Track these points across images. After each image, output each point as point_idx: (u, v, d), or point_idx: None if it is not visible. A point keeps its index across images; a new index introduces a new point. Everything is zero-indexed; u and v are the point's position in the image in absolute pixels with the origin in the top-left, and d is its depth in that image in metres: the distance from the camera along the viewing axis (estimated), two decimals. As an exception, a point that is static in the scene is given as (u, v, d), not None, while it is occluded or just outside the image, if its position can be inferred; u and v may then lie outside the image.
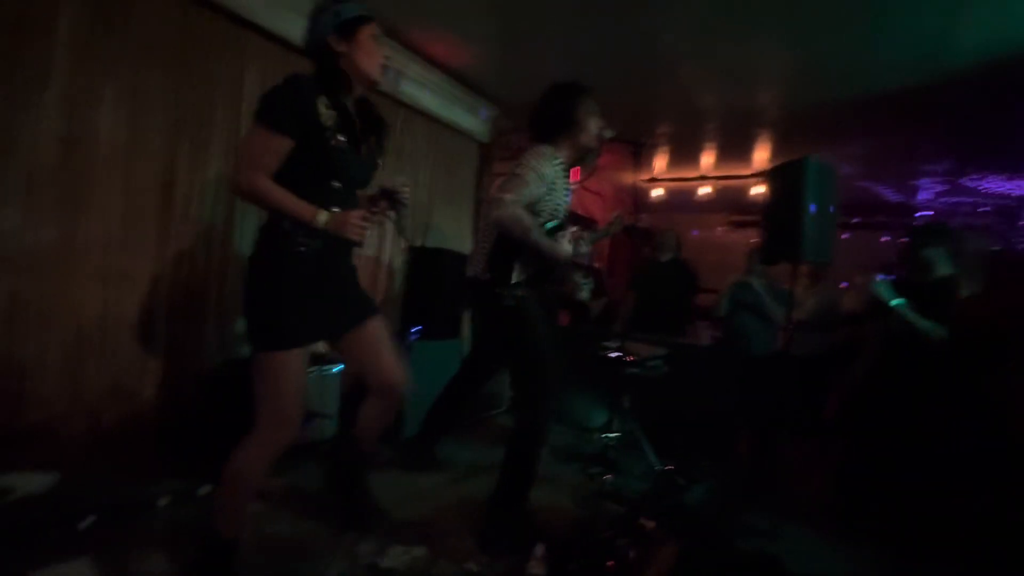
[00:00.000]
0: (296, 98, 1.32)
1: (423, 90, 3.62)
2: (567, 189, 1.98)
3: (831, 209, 2.64)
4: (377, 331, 1.65)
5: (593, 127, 1.98)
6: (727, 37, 2.93)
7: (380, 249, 3.51)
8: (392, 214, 1.60)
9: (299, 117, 1.31)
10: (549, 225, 1.93)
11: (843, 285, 4.91)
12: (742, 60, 3.18)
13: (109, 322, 2.26)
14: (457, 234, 4.16)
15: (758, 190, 5.66)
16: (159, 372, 2.45)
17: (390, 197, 1.57)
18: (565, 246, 1.87)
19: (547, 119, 1.96)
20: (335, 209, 1.37)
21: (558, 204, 1.94)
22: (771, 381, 2.95)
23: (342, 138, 1.39)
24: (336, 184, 1.42)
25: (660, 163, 5.56)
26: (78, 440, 2.13)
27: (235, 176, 1.30)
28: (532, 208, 1.83)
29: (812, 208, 2.49)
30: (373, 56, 1.44)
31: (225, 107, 2.60)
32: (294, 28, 2.76)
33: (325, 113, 1.35)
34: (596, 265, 6.64)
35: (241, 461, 1.38)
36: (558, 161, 1.90)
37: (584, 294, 4.43)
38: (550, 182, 1.84)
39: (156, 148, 2.35)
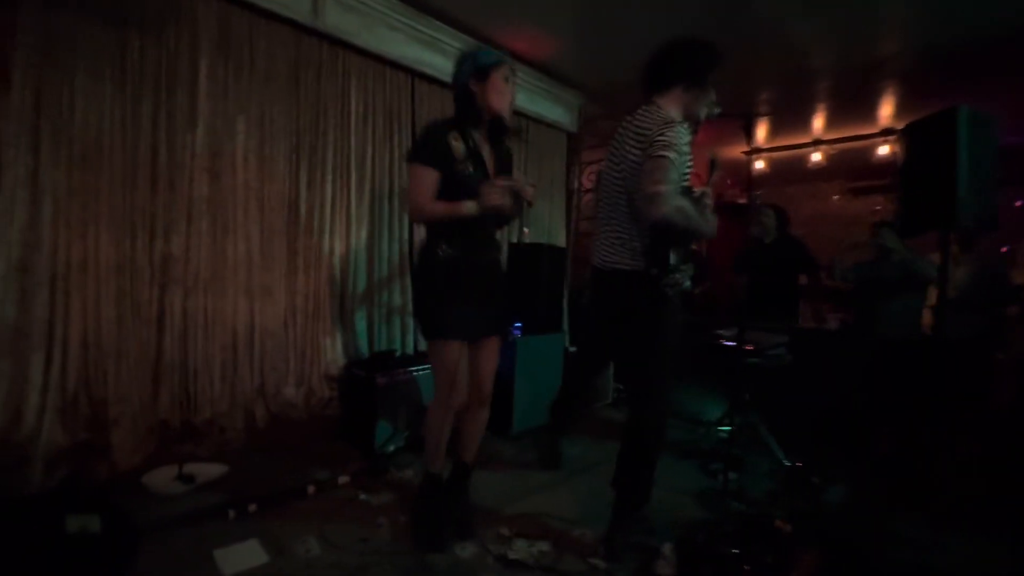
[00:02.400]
0: (431, 137, 1.66)
1: (510, 87, 3.64)
2: (690, 153, 1.75)
3: (990, 167, 2.25)
4: (496, 348, 1.90)
5: (711, 98, 1.79)
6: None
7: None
8: (518, 212, 1.79)
9: (436, 151, 1.64)
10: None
11: (1003, 250, 4.18)
12: (863, 6, 2.80)
13: (255, 330, 2.55)
14: (551, 227, 4.15)
15: (883, 151, 5.00)
16: (296, 374, 2.72)
17: (515, 196, 1.72)
18: (711, 217, 1.72)
19: (677, 63, 1.73)
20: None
21: (685, 172, 1.73)
22: (917, 368, 2.60)
23: (470, 167, 1.67)
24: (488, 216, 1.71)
25: (763, 133, 5.11)
26: (238, 435, 2.44)
27: (409, 209, 1.69)
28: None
29: (966, 166, 2.15)
30: (504, 95, 1.68)
31: (335, 127, 2.81)
32: (387, 43, 2.93)
33: (455, 145, 1.65)
34: (695, 248, 6.30)
35: (430, 418, 1.78)
36: (686, 126, 1.70)
37: (686, 282, 4.21)
38: (685, 153, 1.65)
39: (281, 171, 2.61)
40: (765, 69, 3.68)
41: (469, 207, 1.60)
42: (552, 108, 4.01)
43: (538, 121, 3.97)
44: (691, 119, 1.81)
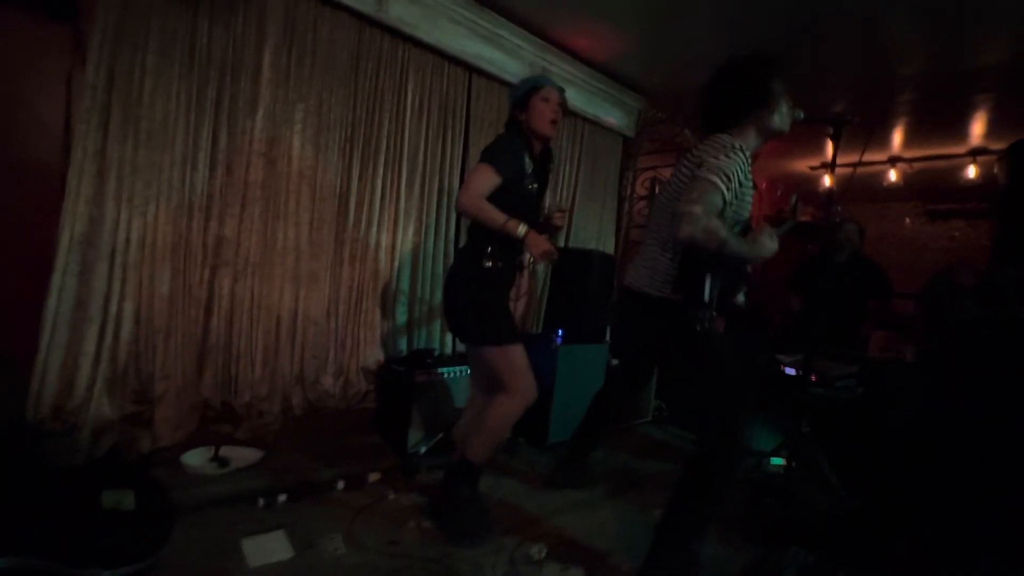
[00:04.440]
0: (514, 149, 1.74)
1: (568, 86, 3.51)
2: (752, 186, 1.65)
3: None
4: None
5: (786, 108, 1.65)
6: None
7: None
8: (547, 237, 1.86)
9: (514, 163, 1.72)
10: (736, 229, 1.63)
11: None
12: (964, 7, 2.53)
13: (298, 318, 2.55)
14: (600, 232, 4.02)
15: (970, 173, 4.59)
16: (335, 364, 2.71)
17: (546, 222, 1.93)
18: (769, 244, 1.57)
19: (731, 98, 1.63)
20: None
21: (745, 203, 1.63)
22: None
23: (534, 184, 1.80)
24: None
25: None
26: (275, 421, 2.44)
27: (461, 195, 1.67)
28: (723, 214, 1.53)
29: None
30: (543, 117, 1.77)
31: (390, 120, 2.79)
32: (448, 36, 2.89)
33: (527, 163, 1.76)
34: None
35: (500, 413, 1.77)
36: (747, 154, 1.58)
37: (740, 297, 3.97)
38: (740, 182, 1.54)
39: (334, 161, 2.60)
40: (844, 76, 3.42)
41: (521, 230, 1.66)
42: (610, 110, 3.88)
43: (594, 123, 3.85)
44: (773, 136, 1.71)
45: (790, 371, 2.37)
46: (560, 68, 3.44)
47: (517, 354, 1.78)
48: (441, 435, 2.50)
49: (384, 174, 2.79)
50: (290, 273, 2.49)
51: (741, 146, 1.54)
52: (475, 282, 1.77)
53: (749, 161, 1.59)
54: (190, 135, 2.17)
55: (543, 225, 1.93)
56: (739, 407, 1.62)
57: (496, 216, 1.65)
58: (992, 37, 2.82)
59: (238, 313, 2.35)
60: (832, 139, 1.76)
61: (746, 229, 1.65)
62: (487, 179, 1.67)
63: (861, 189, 5.51)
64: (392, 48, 2.76)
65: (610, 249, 4.09)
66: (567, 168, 3.73)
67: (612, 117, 3.91)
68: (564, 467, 2.38)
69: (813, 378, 2.29)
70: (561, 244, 3.73)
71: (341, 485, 2.11)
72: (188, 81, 2.14)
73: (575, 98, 3.62)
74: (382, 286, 2.84)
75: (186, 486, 1.90)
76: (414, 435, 2.46)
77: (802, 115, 1.67)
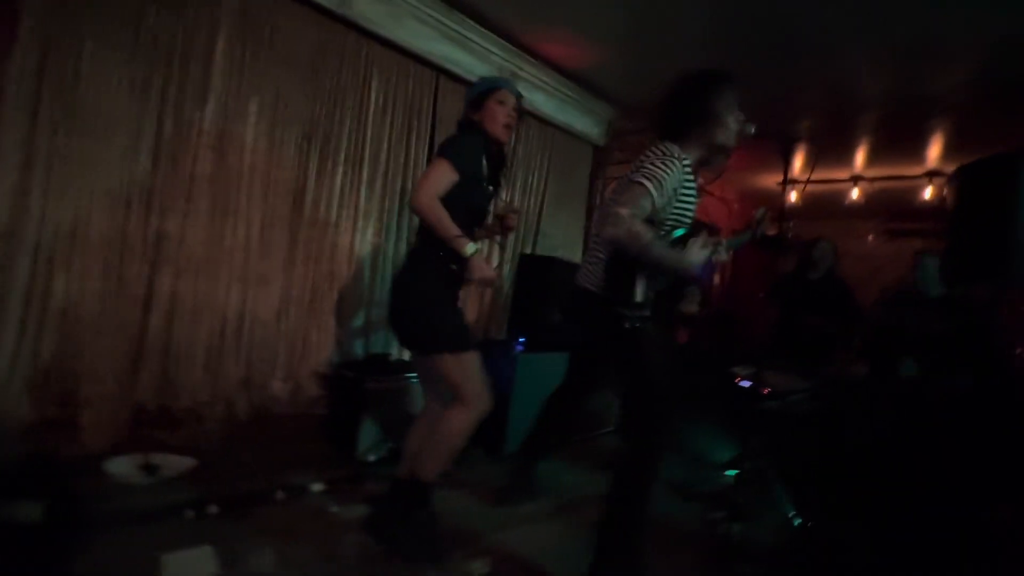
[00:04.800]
0: (475, 149, 1.67)
1: (537, 92, 3.53)
2: (695, 192, 1.69)
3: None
4: None
5: (732, 123, 1.67)
6: (902, 9, 2.42)
7: (489, 256, 3.47)
8: (498, 238, 1.88)
9: (473, 163, 1.65)
10: (677, 232, 1.67)
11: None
12: (921, 36, 2.62)
13: (246, 319, 2.45)
14: (568, 241, 4.00)
15: (927, 194, 4.75)
16: (285, 368, 2.61)
17: (501, 221, 1.84)
18: (696, 254, 1.58)
19: (678, 111, 1.69)
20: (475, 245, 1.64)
21: (685, 210, 1.67)
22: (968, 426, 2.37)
23: (491, 186, 1.75)
24: (475, 228, 1.75)
25: (799, 163, 4.90)
26: (216, 427, 2.33)
27: (418, 193, 1.57)
28: (653, 218, 1.58)
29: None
30: (497, 120, 1.71)
31: (352, 118, 2.72)
32: (414, 36, 2.84)
33: (485, 164, 1.70)
34: (715, 278, 6.08)
35: (454, 426, 1.67)
36: (686, 162, 1.63)
37: (694, 306, 4.02)
38: (673, 189, 1.59)
39: (290, 157, 2.52)
40: (810, 96, 3.49)
41: (469, 250, 1.59)
42: (580, 119, 3.88)
43: (565, 131, 3.84)
44: (721, 152, 1.73)
45: (745, 383, 2.38)
46: (530, 74, 3.42)
47: (472, 362, 1.69)
48: (392, 445, 2.43)
49: (344, 173, 2.71)
50: (238, 272, 2.39)
51: (680, 156, 1.60)
52: (428, 286, 1.69)
53: (688, 170, 1.63)
54: (132, 124, 2.06)
55: (496, 226, 1.87)
56: (665, 411, 1.61)
57: (449, 227, 1.57)
58: (946, 66, 2.92)
59: (179, 312, 2.24)
60: (782, 155, 1.76)
61: (688, 236, 1.65)
62: (444, 175, 1.59)
63: (825, 206, 5.65)
64: (356, 45, 2.69)
65: (576, 257, 4.07)
66: (535, 175, 3.71)
67: (583, 126, 3.91)
68: (515, 480, 2.32)
69: (766, 391, 2.29)
70: (528, 251, 3.70)
71: (281, 495, 2.01)
72: (131, 68, 2.04)
73: (545, 105, 3.62)
74: (339, 288, 2.75)
75: (109, 496, 1.78)
76: (364, 444, 2.38)
77: (753, 129, 1.69)
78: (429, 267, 1.68)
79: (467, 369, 1.68)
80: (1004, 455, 2.53)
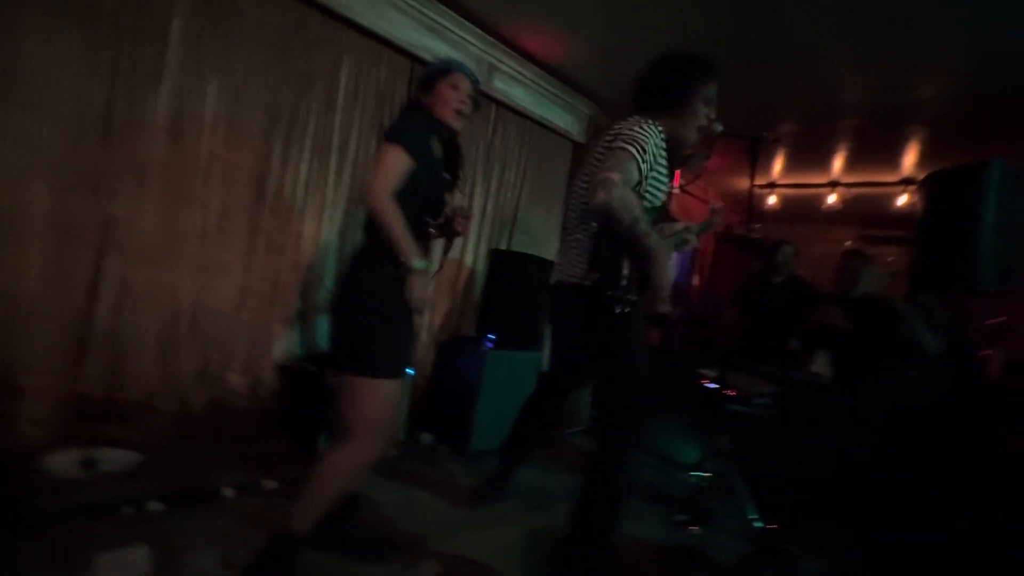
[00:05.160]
0: (421, 126, 1.51)
1: (516, 86, 3.47)
2: (666, 171, 1.62)
3: (1019, 230, 2.05)
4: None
5: (701, 117, 1.62)
6: (883, 18, 2.41)
7: (463, 251, 3.41)
8: (445, 240, 1.70)
9: (424, 142, 1.48)
10: (652, 212, 1.60)
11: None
12: (902, 45, 2.62)
13: (201, 310, 2.36)
14: (544, 238, 3.95)
15: (902, 201, 4.80)
16: (245, 360, 2.53)
17: (448, 224, 1.65)
18: (662, 243, 1.50)
19: (656, 88, 1.63)
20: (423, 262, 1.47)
21: (660, 185, 1.59)
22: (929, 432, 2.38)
23: (444, 173, 1.57)
24: (428, 219, 1.56)
25: (779, 166, 4.92)
26: (167, 420, 2.24)
27: (373, 186, 1.40)
28: (635, 190, 1.49)
29: (992, 226, 1.96)
30: (447, 104, 1.56)
31: (320, 103, 2.63)
32: (389, 24, 2.76)
33: (436, 147, 1.53)
34: (694, 280, 6.09)
35: (338, 465, 1.46)
36: (662, 136, 1.56)
37: (667, 306, 4.00)
38: (653, 156, 1.51)
39: (253, 143, 2.42)
40: (789, 97, 3.48)
41: (416, 264, 1.41)
42: (560, 114, 3.82)
43: (544, 126, 3.78)
44: (681, 143, 1.66)
45: (711, 386, 2.36)
46: (509, 67, 3.36)
47: (387, 395, 1.45)
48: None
49: (311, 160, 2.63)
50: (194, 260, 2.30)
51: (656, 124, 1.52)
52: (373, 294, 1.45)
53: (664, 142, 1.55)
54: (78, 101, 1.95)
55: (445, 226, 1.66)
56: (645, 405, 1.56)
57: (401, 235, 1.40)
58: (922, 75, 2.93)
59: (129, 301, 2.14)
60: (749, 154, 1.73)
61: (659, 218, 1.62)
62: (400, 163, 1.42)
63: (803, 210, 5.68)
64: (326, 30, 2.60)
65: (553, 255, 4.03)
66: (512, 170, 3.66)
67: (563, 122, 3.85)
68: (491, 481, 2.26)
69: (731, 393, 2.28)
70: (503, 247, 3.64)
71: (231, 493, 1.95)
72: (79, 40, 1.93)
73: (523, 99, 3.55)
74: (303, 279, 2.67)
75: (42, 493, 1.70)
76: (325, 440, 2.31)
77: (720, 127, 1.65)
78: (377, 267, 1.45)
79: (378, 401, 1.43)
80: (975, 462, 2.56)
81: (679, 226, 1.69)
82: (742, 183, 5.60)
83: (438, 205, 1.59)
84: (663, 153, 1.57)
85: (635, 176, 1.45)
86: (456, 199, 1.65)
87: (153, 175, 2.15)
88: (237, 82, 2.33)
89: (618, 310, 1.49)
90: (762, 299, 3.41)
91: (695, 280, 6.09)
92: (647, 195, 1.56)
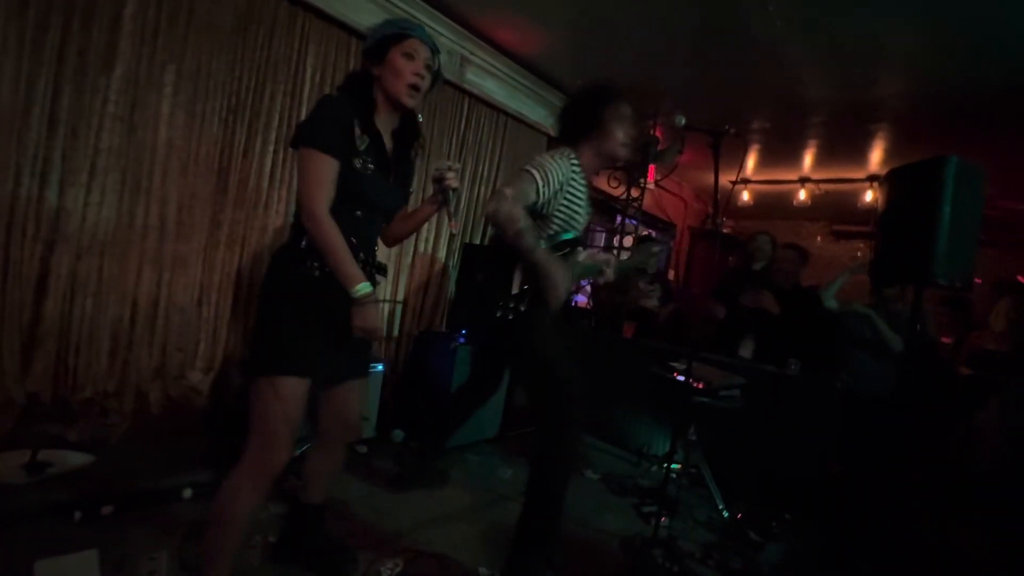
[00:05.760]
0: (335, 115, 1.26)
1: (489, 79, 3.43)
2: (585, 197, 1.74)
3: (973, 225, 2.12)
4: (363, 387, 1.60)
5: (620, 134, 1.73)
6: (843, 12, 2.45)
7: (435, 245, 3.38)
8: (443, 202, 1.47)
9: (341, 135, 1.26)
10: (565, 236, 1.69)
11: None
12: (862, 40, 2.67)
13: (161, 305, 2.28)
14: (518, 232, 3.93)
15: (868, 197, 4.92)
16: (207, 357, 2.46)
17: (439, 184, 1.44)
18: (561, 270, 1.55)
19: (570, 120, 1.78)
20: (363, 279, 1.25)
21: (573, 212, 1.69)
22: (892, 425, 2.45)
23: (371, 164, 1.33)
24: (358, 213, 1.34)
25: (752, 162, 4.99)
26: (123, 420, 2.17)
27: (305, 205, 1.20)
28: (541, 212, 1.63)
29: (948, 221, 2.02)
30: (400, 77, 1.31)
31: (284, 94, 2.56)
32: (354, 12, 2.69)
33: (359, 137, 1.30)
34: (670, 274, 6.16)
35: (230, 494, 1.25)
36: (575, 162, 1.68)
37: (653, 301, 4.04)
38: (560, 184, 1.63)
39: (214, 133, 2.35)
40: (758, 94, 3.53)
41: (360, 290, 1.20)
42: (534, 108, 3.81)
43: (518, 120, 3.76)
44: (610, 158, 1.79)
45: (680, 378, 2.38)
46: (482, 59, 3.32)
47: (287, 395, 1.23)
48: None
49: (275, 152, 2.56)
50: (151, 254, 2.22)
51: (570, 155, 1.68)
52: (280, 290, 1.28)
53: (577, 169, 1.68)
54: (22, 87, 1.86)
55: (436, 194, 1.46)
56: (568, 395, 1.59)
57: (341, 259, 1.20)
58: (884, 72, 2.99)
59: (80, 296, 2.06)
60: (712, 149, 1.75)
61: (575, 243, 1.71)
62: (325, 169, 1.21)
63: (774, 207, 5.78)
64: (290, 16, 2.53)
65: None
66: (486, 164, 3.62)
67: (536, 115, 3.84)
68: (414, 466, 2.36)
69: (699, 386, 2.31)
70: (477, 241, 3.61)
71: (188, 494, 1.89)
72: (20, 25, 1.83)
73: (497, 92, 3.52)
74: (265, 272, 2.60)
75: (-15, 497, 1.62)
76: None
77: (683, 121, 1.69)
78: (291, 274, 1.28)
79: (270, 402, 1.22)
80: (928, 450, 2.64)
81: (601, 257, 1.78)
82: (711, 179, 5.68)
83: (375, 202, 1.36)
84: (580, 183, 1.70)
85: (531, 197, 1.58)
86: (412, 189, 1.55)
87: (107, 165, 2.07)
88: (194, 70, 2.25)
89: (499, 314, 1.60)
90: (742, 290, 3.45)
91: (671, 275, 6.15)
92: (555, 220, 1.67)
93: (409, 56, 1.31)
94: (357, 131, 1.28)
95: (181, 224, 2.29)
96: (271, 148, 2.54)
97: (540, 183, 1.58)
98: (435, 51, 1.37)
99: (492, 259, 1.68)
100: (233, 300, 2.50)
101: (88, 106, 2.01)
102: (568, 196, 1.66)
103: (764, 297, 3.14)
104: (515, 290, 1.60)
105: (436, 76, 1.39)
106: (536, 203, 1.60)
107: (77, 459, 1.86)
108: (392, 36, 1.32)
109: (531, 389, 1.67)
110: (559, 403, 1.59)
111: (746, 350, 3.22)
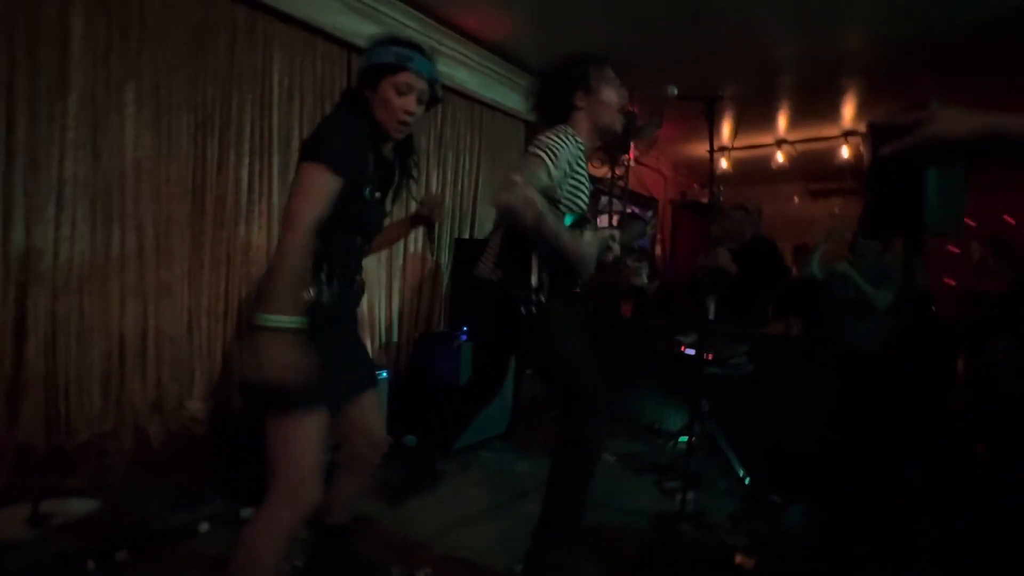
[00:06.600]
0: (355, 139, 1.20)
1: (460, 68, 3.35)
2: (586, 177, 1.66)
3: (960, 171, 2.14)
4: (375, 397, 1.51)
5: (613, 97, 1.63)
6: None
7: (425, 245, 3.31)
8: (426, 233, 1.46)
9: (355, 159, 1.19)
10: (568, 219, 1.61)
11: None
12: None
13: (150, 337, 2.18)
14: (505, 223, 3.88)
15: (844, 154, 4.98)
16: (205, 385, 2.37)
17: (424, 220, 1.48)
18: (590, 244, 1.52)
19: (555, 95, 1.64)
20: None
21: (577, 193, 1.62)
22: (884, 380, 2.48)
23: (377, 193, 1.29)
24: (358, 240, 1.31)
25: (728, 129, 5.00)
26: (124, 460, 2.08)
27: (297, 213, 1.08)
28: (551, 195, 1.52)
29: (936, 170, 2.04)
30: (392, 112, 1.24)
31: (253, 103, 2.45)
32: (317, 11, 2.59)
33: (370, 162, 1.24)
34: (657, 249, 6.18)
35: (254, 530, 1.16)
36: (578, 139, 1.58)
37: (641, 279, 4.04)
38: (569, 163, 1.53)
39: (184, 151, 2.24)
40: (728, 59, 3.51)
41: (282, 320, 1.04)
42: (508, 95, 3.73)
43: (494, 108, 3.69)
44: (609, 130, 1.67)
45: (689, 351, 2.38)
46: (451, 48, 3.24)
47: (302, 433, 1.14)
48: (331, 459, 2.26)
49: (251, 164, 2.46)
50: (133, 285, 2.12)
51: (574, 133, 1.55)
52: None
53: (581, 149, 1.58)
54: (-29, 123, 1.74)
55: (420, 218, 1.50)
56: (591, 388, 1.54)
57: (286, 282, 1.07)
58: (850, 25, 3.00)
59: (63, 337, 1.95)
60: (706, 116, 1.72)
61: (584, 219, 1.62)
62: (324, 186, 1.12)
63: (752, 171, 5.82)
64: (249, 22, 2.41)
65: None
66: (466, 157, 3.56)
67: (511, 102, 3.77)
68: (414, 474, 2.23)
69: (709, 356, 2.30)
70: (465, 236, 3.56)
71: (205, 528, 1.82)
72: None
73: (469, 81, 3.45)
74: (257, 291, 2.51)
75: (-13, 559, 1.53)
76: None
77: (675, 91, 1.64)
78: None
79: (290, 442, 1.13)
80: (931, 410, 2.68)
81: (605, 232, 1.68)
82: (694, 149, 5.69)
83: (367, 229, 1.33)
84: (581, 161, 1.60)
85: (543, 180, 1.46)
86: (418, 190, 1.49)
87: (73, 196, 1.95)
88: (154, 86, 2.13)
89: (523, 310, 1.50)
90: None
91: (658, 250, 6.17)
92: (564, 200, 1.58)
93: (401, 92, 1.23)
94: (371, 157, 1.23)
95: (160, 250, 2.19)
96: (246, 160, 2.43)
97: (550, 164, 1.47)
98: (434, 79, 1.29)
99: (506, 252, 1.56)
100: (224, 323, 2.41)
101: (46, 135, 1.89)
102: (574, 176, 1.57)
103: (719, 256, 3.11)
104: (534, 282, 1.51)
105: (434, 99, 1.32)
106: (547, 185, 1.49)
107: (81, 506, 1.78)
108: (387, 67, 1.22)
109: (553, 380, 1.62)
110: (582, 400, 1.53)
111: (710, 312, 3.19)
